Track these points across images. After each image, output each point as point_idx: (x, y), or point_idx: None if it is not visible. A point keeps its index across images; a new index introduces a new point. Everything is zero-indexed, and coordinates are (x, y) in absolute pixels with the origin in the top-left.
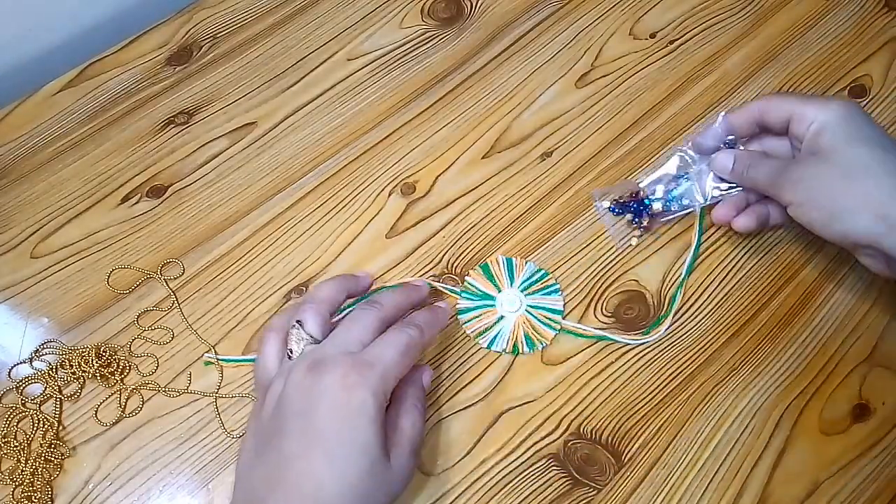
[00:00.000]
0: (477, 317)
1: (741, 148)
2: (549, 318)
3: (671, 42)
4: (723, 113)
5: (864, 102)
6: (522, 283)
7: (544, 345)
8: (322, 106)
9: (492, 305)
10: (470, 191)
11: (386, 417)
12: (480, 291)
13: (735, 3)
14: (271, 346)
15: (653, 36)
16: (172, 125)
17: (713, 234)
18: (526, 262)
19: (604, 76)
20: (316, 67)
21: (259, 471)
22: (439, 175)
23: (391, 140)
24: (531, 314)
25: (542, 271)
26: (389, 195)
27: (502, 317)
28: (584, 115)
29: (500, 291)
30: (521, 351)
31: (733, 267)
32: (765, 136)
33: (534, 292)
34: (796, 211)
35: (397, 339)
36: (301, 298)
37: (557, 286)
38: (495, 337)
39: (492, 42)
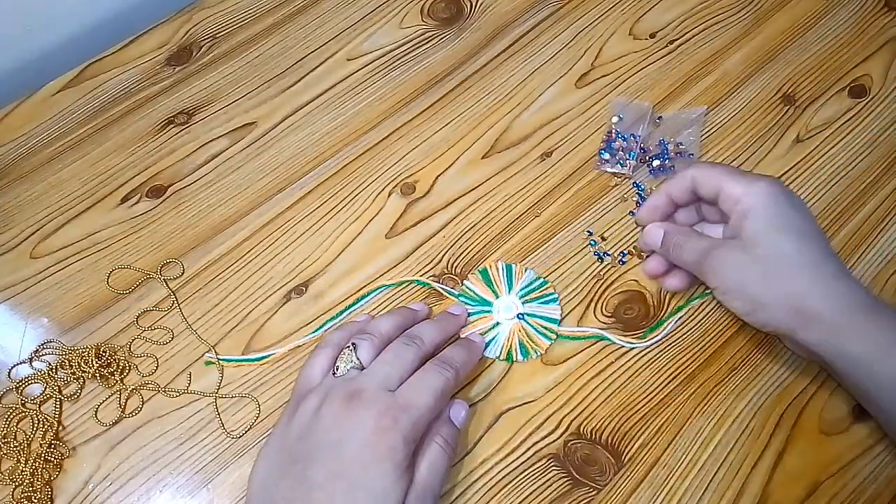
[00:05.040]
0: (472, 322)
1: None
2: (545, 328)
3: (671, 42)
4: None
5: (864, 102)
6: (521, 290)
7: (538, 353)
8: (322, 106)
9: (488, 311)
10: (470, 191)
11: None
12: (478, 296)
13: (735, 3)
14: (321, 360)
15: (653, 36)
16: (172, 125)
17: None
18: (526, 269)
19: (604, 76)
20: (316, 67)
21: (281, 488)
22: (439, 175)
23: (391, 140)
24: (527, 322)
25: (542, 279)
26: (389, 195)
27: (498, 323)
28: (584, 115)
29: (497, 297)
30: (515, 359)
31: None
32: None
33: (531, 300)
34: (721, 296)
35: (434, 382)
36: (364, 322)
37: (556, 295)
38: (490, 343)
39: (492, 42)
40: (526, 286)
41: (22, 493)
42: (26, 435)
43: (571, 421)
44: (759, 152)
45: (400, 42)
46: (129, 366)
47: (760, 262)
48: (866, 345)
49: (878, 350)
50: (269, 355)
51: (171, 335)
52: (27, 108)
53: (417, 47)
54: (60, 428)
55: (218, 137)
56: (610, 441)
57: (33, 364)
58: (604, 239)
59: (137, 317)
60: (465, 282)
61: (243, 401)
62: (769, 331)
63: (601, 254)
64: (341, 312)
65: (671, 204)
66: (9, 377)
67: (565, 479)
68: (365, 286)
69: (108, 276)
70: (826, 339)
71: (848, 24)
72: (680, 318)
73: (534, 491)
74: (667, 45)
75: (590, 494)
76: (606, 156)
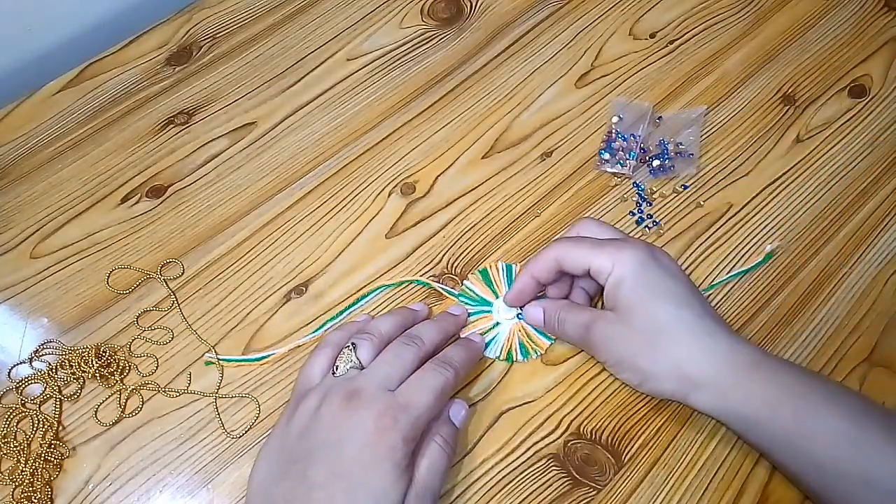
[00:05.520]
0: (472, 322)
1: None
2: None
3: (671, 42)
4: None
5: (864, 102)
6: None
7: (539, 353)
8: (322, 106)
9: (488, 311)
10: (470, 191)
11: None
12: (478, 297)
13: (735, 3)
14: (321, 360)
15: (653, 36)
16: (172, 125)
17: (712, 233)
18: None
19: (604, 76)
20: (316, 67)
21: (281, 488)
22: (439, 175)
23: (391, 140)
24: (527, 322)
25: None
26: (389, 195)
27: (498, 323)
28: (584, 115)
29: (497, 297)
30: (515, 359)
31: (732, 267)
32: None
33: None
34: (611, 369)
35: (434, 382)
36: (364, 322)
37: None
38: (489, 343)
39: (492, 42)
40: None
41: (22, 493)
42: (26, 435)
43: (571, 421)
44: (759, 152)
45: (400, 42)
46: (129, 366)
47: (640, 332)
48: (754, 403)
49: (766, 408)
50: (269, 355)
51: (171, 335)
52: (27, 108)
53: (417, 47)
54: (60, 428)
55: (218, 137)
56: (610, 441)
57: (33, 364)
58: None
59: (137, 317)
60: (465, 282)
61: (243, 401)
62: (666, 398)
63: None
64: (341, 312)
65: (538, 285)
66: (9, 377)
67: (565, 479)
68: (365, 286)
69: (108, 276)
70: (715, 402)
71: (848, 24)
72: None
73: (534, 491)
74: (667, 45)
75: (590, 494)
76: (606, 156)
